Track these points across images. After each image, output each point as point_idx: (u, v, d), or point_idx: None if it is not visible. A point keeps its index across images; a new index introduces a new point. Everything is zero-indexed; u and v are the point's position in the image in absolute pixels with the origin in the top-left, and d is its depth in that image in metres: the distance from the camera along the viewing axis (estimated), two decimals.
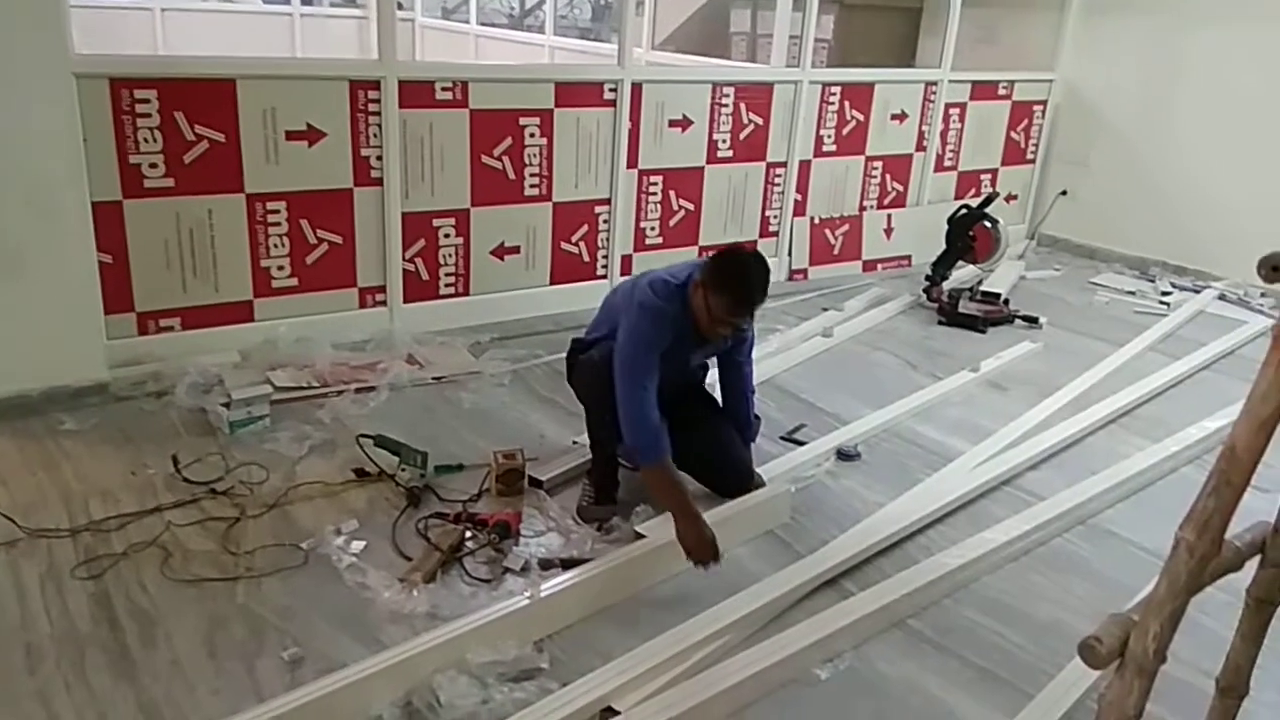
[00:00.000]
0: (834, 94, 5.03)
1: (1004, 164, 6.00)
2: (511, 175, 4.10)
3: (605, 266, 4.51)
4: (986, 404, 3.72)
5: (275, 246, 3.63)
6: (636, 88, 4.31)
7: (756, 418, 2.94)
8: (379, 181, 3.78)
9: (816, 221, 5.19)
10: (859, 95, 5.15)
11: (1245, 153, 5.29)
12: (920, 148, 5.52)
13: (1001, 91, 5.80)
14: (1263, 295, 5.21)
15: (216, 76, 3.38)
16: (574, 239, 4.39)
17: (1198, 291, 5.30)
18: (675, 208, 4.66)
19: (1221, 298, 5.23)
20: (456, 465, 2.92)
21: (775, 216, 5.04)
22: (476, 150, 3.98)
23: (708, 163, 4.69)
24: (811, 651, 2.15)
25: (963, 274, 5.15)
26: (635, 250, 4.57)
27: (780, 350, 4.07)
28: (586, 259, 4.44)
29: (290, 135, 3.54)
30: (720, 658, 2.13)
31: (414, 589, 2.29)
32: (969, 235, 4.76)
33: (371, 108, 3.68)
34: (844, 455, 3.18)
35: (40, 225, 3.02)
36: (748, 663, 2.08)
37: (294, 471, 2.86)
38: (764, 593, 2.32)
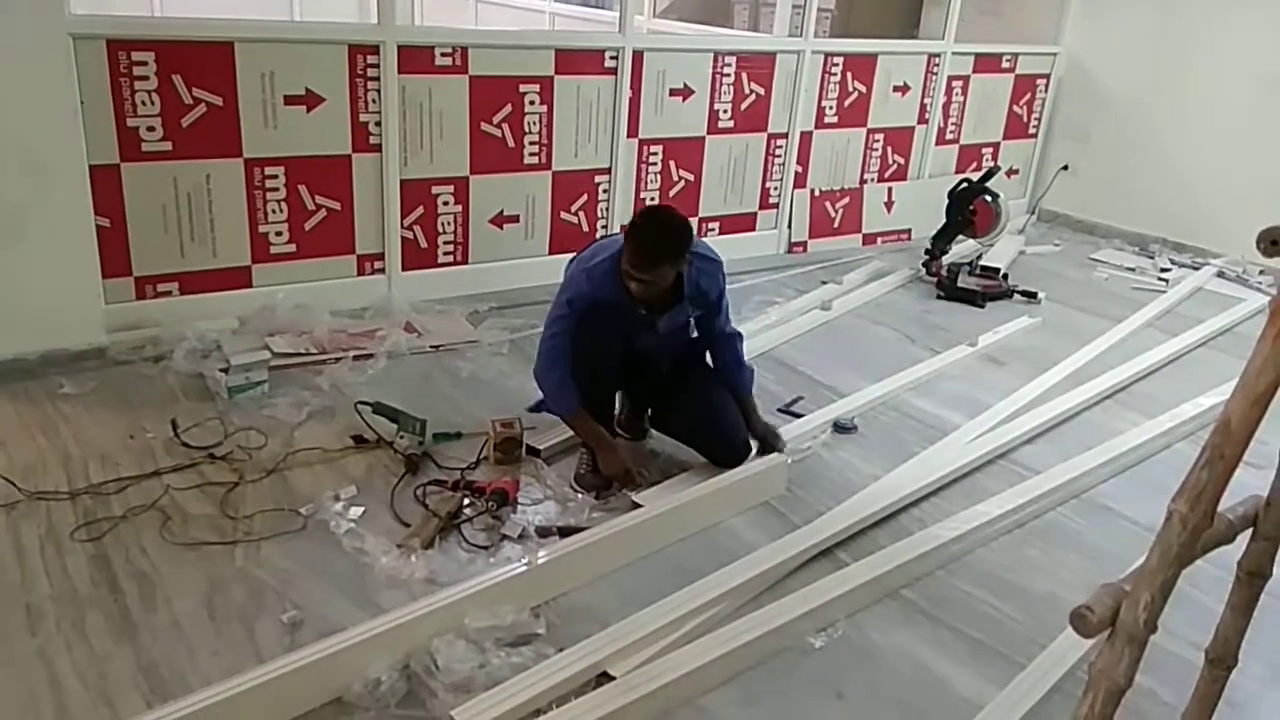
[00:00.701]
0: (836, 65, 4.99)
1: (1006, 138, 5.97)
2: (511, 143, 4.08)
3: (605, 236, 4.48)
4: (983, 378, 3.72)
5: (273, 212, 3.62)
6: (638, 56, 4.28)
7: (750, 370, 2.94)
8: (378, 148, 3.75)
9: (817, 194, 5.17)
10: (862, 66, 5.11)
11: (1247, 130, 5.27)
12: (922, 120, 5.49)
13: (1005, 64, 5.76)
14: (1261, 273, 5.21)
15: (214, 39, 3.35)
16: (573, 208, 4.37)
17: (1197, 268, 5.30)
18: (675, 178, 4.64)
19: (1220, 275, 5.23)
20: (455, 433, 2.93)
21: (775, 188, 5.01)
22: (476, 117, 3.95)
23: (709, 133, 4.66)
24: (806, 620, 2.17)
25: (963, 248, 5.15)
26: None
27: (779, 323, 4.07)
28: (586, 229, 4.42)
29: (289, 99, 3.52)
30: (715, 625, 2.15)
31: (412, 555, 2.31)
32: (969, 209, 4.75)
33: (370, 73, 3.65)
34: (841, 428, 3.19)
35: (37, 188, 3.01)
36: (742, 630, 2.10)
37: (292, 437, 2.86)
38: (759, 562, 2.34)
